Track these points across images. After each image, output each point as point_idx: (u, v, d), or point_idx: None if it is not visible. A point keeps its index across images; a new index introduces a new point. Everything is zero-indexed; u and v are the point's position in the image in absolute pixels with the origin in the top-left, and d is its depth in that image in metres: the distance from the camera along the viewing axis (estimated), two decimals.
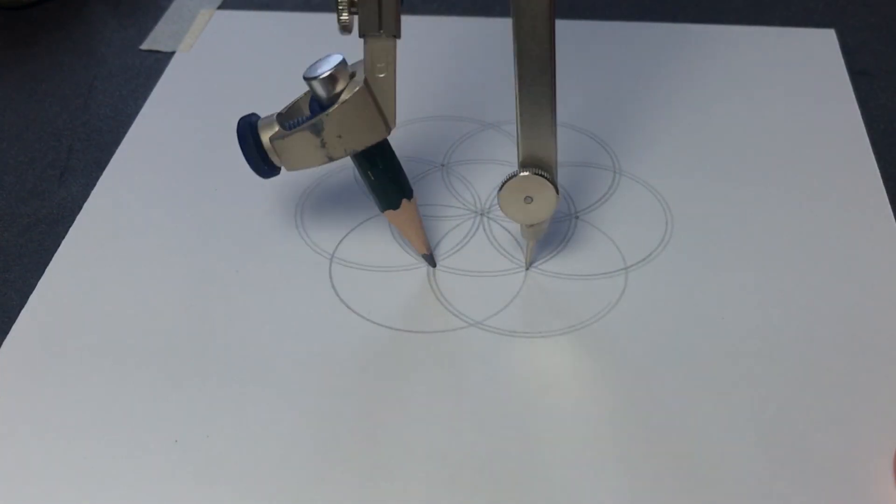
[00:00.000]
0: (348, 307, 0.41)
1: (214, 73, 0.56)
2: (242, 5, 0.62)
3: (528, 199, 0.39)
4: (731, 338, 0.40)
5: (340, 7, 0.36)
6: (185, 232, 0.45)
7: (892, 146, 0.49)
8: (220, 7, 0.62)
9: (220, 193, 0.47)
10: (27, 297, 0.42)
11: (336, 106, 0.37)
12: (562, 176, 0.48)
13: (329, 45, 0.58)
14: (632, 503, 0.34)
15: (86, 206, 0.47)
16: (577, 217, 0.45)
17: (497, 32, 0.58)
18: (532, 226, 0.40)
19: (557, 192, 0.39)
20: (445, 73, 0.55)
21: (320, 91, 0.37)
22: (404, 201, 0.41)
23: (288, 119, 0.39)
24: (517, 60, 0.36)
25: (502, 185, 0.39)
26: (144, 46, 0.59)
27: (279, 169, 0.39)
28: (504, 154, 0.49)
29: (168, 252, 0.44)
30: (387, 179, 0.40)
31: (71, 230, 0.46)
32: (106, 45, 0.59)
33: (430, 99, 0.53)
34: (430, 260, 0.43)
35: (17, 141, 0.52)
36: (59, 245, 0.45)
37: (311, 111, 0.39)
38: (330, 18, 0.63)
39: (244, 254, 0.44)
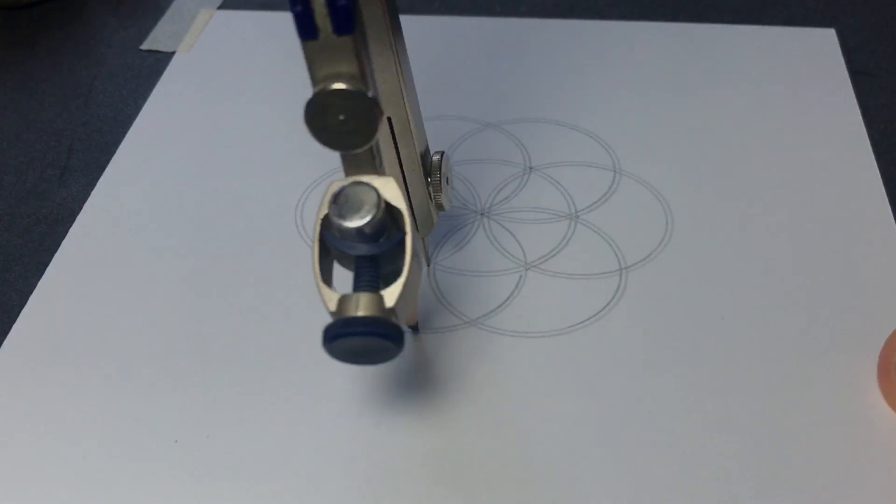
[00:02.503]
0: None
1: (214, 73, 0.56)
2: (242, 5, 0.62)
3: (448, 181, 0.39)
4: (731, 338, 0.40)
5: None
6: (185, 232, 0.45)
7: (892, 146, 0.49)
8: (220, 7, 0.62)
9: (220, 193, 0.47)
10: (27, 297, 0.42)
11: (407, 212, 0.31)
12: (562, 176, 0.48)
13: None
14: (631, 503, 0.34)
15: (86, 206, 0.47)
16: (577, 217, 0.45)
17: (498, 32, 0.58)
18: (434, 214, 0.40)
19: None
20: (445, 73, 0.55)
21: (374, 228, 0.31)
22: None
23: (327, 281, 0.32)
24: (400, 73, 0.34)
25: (447, 187, 0.38)
26: (144, 46, 0.59)
27: None
28: (504, 154, 0.49)
29: (168, 252, 0.44)
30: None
31: (71, 230, 0.46)
32: (106, 45, 0.59)
33: (430, 99, 0.53)
34: (415, 328, 0.40)
35: (17, 141, 0.52)
36: (59, 245, 0.45)
37: (349, 250, 0.31)
38: None
39: (244, 254, 0.44)
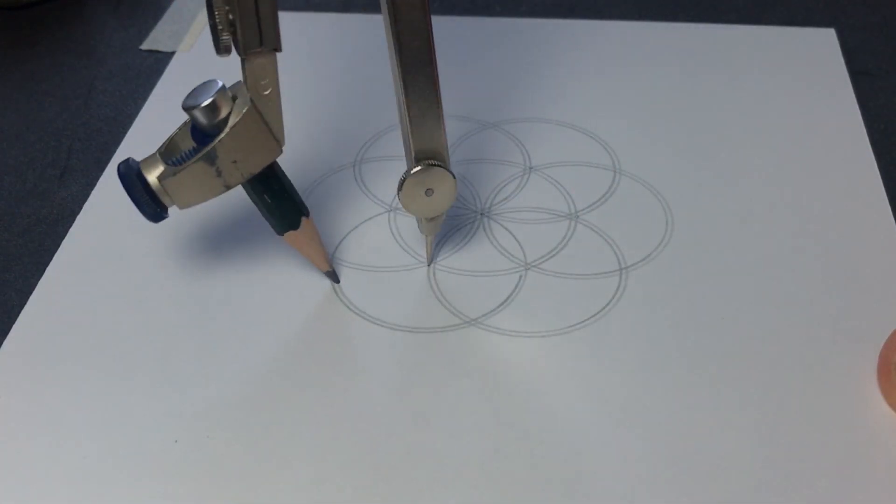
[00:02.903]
0: (348, 307, 0.41)
1: (214, 74, 0.56)
2: None
3: (430, 192, 0.39)
4: (731, 338, 0.40)
5: (220, 27, 0.34)
6: (185, 232, 0.45)
7: (892, 146, 0.49)
8: None
9: None
10: (27, 297, 0.42)
11: (227, 130, 0.35)
12: (562, 176, 0.48)
13: (328, 45, 0.58)
14: (631, 502, 0.34)
15: (86, 206, 0.47)
16: (577, 217, 0.45)
17: (497, 32, 0.58)
18: (432, 219, 0.41)
19: (455, 179, 0.39)
20: (445, 73, 0.55)
21: (203, 119, 0.35)
22: (303, 220, 0.40)
23: (170, 156, 0.37)
24: (397, 57, 0.36)
25: (402, 183, 0.39)
26: (144, 46, 0.59)
27: (167, 211, 0.37)
28: (504, 154, 0.49)
29: (168, 252, 0.44)
30: (284, 199, 0.39)
31: (71, 230, 0.46)
32: (106, 45, 0.59)
33: None
34: (334, 276, 0.42)
35: (17, 141, 0.52)
36: (59, 245, 0.45)
37: (196, 142, 0.37)
38: (330, 18, 0.63)
39: (244, 254, 0.44)
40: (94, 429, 0.37)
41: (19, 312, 0.42)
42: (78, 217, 0.46)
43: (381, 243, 0.45)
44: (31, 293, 0.42)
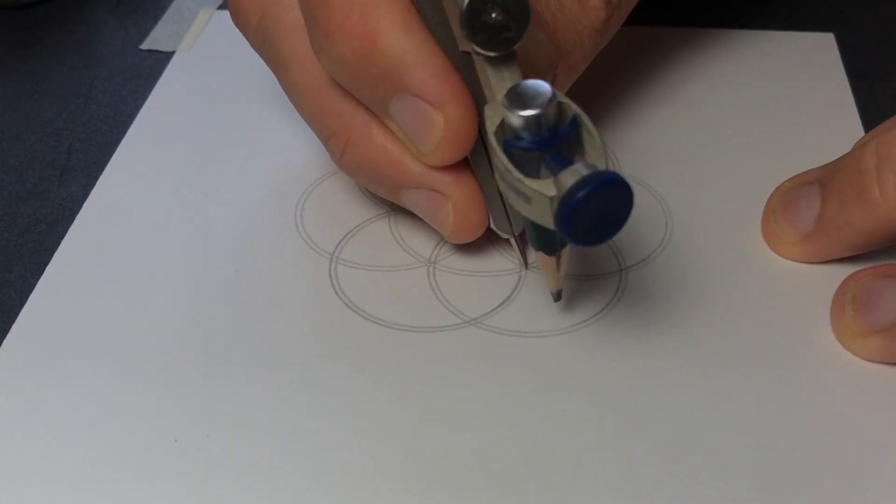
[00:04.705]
0: (348, 307, 0.41)
1: (214, 73, 0.56)
2: None
3: None
4: (731, 339, 0.40)
5: None
6: (185, 232, 0.45)
7: None
8: (221, 7, 0.62)
9: (220, 193, 0.47)
10: (27, 297, 0.42)
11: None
12: None
13: None
14: (631, 503, 0.34)
15: (86, 206, 0.47)
16: None
17: None
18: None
19: None
20: None
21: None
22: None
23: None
24: None
25: None
26: (144, 46, 0.59)
27: None
28: None
29: (168, 252, 0.44)
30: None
31: (71, 230, 0.46)
32: (106, 45, 0.59)
33: None
34: (557, 295, 0.40)
35: (17, 141, 0.52)
36: (59, 245, 0.45)
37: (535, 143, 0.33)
38: None
39: (244, 254, 0.44)
40: (94, 429, 0.37)
41: (19, 312, 0.42)
42: (78, 217, 0.46)
43: (381, 243, 0.45)
44: (30, 293, 0.42)
